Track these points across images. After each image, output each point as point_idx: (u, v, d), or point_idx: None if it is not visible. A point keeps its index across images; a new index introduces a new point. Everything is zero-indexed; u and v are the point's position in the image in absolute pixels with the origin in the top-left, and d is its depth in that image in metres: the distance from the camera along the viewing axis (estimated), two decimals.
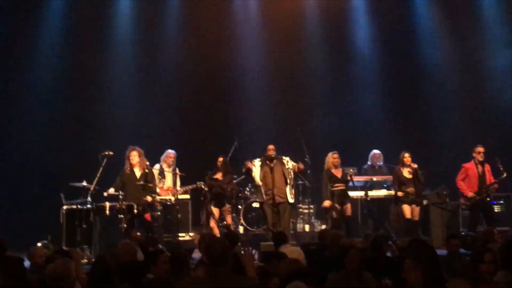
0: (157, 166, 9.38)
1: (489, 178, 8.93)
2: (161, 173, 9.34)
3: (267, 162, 8.60)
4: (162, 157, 9.51)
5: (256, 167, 8.64)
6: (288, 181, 8.54)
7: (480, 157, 8.87)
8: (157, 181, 9.02)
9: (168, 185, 9.45)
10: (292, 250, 5.89)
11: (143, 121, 11.04)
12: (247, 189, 9.96)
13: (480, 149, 8.91)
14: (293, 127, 10.16)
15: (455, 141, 10.76)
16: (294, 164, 8.68)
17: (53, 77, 10.91)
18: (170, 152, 9.53)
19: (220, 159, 9.00)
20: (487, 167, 8.97)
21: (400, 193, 8.89)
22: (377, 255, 5.66)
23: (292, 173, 8.66)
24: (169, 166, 9.47)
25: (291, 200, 8.59)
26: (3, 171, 10.34)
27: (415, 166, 8.96)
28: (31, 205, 10.01)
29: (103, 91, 11.05)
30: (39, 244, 8.44)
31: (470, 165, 8.99)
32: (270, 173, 8.42)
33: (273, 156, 8.56)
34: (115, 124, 10.86)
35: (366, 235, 7.04)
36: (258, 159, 8.74)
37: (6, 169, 10.38)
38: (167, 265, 4.70)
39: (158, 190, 8.98)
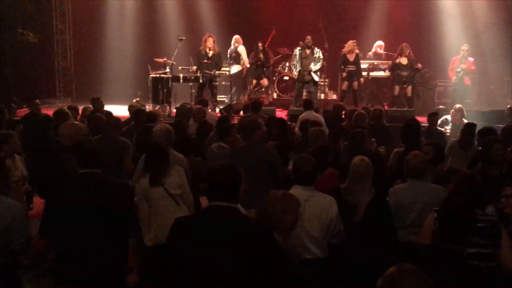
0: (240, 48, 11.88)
1: (470, 67, 10.84)
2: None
3: (304, 49, 11.00)
4: (237, 39, 11.94)
5: (296, 55, 11.05)
6: (313, 66, 11.02)
7: (465, 53, 10.71)
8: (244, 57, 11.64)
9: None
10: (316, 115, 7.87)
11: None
12: (280, 65, 12.87)
13: (465, 47, 10.81)
14: (317, 19, 12.59)
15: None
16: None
17: None
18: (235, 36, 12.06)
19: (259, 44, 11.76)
20: (470, 61, 10.78)
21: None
22: (376, 125, 6.94)
23: (317, 61, 11.03)
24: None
25: (316, 78, 11.13)
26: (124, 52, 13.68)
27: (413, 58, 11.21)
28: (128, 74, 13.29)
29: None
30: (134, 100, 11.73)
31: (456, 58, 10.90)
32: (303, 59, 10.96)
33: (309, 45, 10.98)
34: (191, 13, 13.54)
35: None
36: (298, 47, 11.09)
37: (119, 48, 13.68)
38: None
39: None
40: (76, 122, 4.90)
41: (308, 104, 8.30)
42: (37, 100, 9.06)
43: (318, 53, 11.13)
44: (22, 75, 12.41)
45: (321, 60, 11.11)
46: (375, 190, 3.98)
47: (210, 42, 10.91)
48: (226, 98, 12.14)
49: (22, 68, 12.47)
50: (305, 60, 11.02)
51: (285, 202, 3.09)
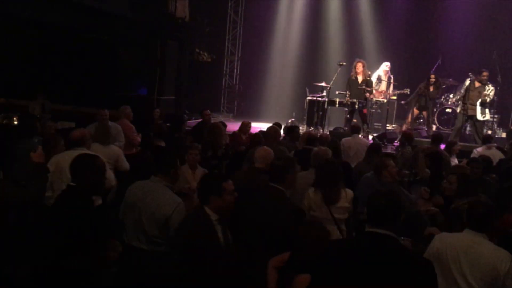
0: (375, 74, 11.73)
1: None
2: (379, 79, 11.77)
3: (474, 84, 10.08)
4: (381, 67, 11.77)
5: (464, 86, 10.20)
6: (481, 101, 9.99)
7: None
8: (374, 84, 11.40)
9: (382, 89, 11.78)
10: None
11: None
12: (443, 97, 11.96)
13: None
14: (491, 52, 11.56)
15: None
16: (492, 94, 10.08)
17: None
18: (387, 64, 11.82)
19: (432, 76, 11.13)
20: None
21: None
22: None
23: (488, 98, 10.00)
24: (385, 74, 11.76)
25: (479, 117, 10.08)
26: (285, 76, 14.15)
27: None
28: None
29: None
30: (289, 121, 11.95)
31: None
32: (470, 91, 10.05)
33: (484, 82, 9.97)
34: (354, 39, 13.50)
35: None
36: (468, 79, 10.14)
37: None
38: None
39: (373, 91, 11.32)
40: (267, 148, 5.03)
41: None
42: (208, 111, 9.25)
43: (489, 90, 10.08)
44: (195, 90, 13.45)
45: (489, 98, 10.04)
46: None
47: (359, 68, 10.78)
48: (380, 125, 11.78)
49: (195, 84, 13.52)
50: (472, 92, 10.07)
51: None
